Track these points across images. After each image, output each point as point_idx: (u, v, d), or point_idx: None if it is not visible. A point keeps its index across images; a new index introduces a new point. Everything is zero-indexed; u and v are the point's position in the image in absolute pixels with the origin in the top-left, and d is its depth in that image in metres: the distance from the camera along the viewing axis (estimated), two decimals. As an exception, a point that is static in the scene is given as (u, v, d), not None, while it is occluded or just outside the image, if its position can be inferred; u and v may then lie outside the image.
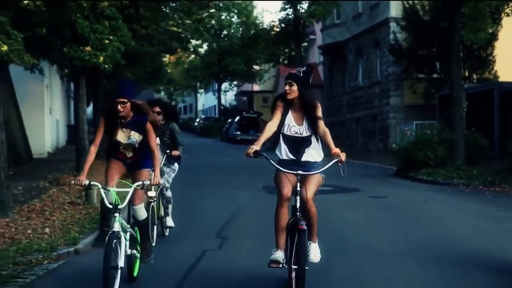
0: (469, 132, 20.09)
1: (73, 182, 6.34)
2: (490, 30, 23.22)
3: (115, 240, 5.78)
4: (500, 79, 25.98)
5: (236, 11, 53.91)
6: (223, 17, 53.86)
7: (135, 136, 6.35)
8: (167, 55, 41.07)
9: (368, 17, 32.57)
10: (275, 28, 43.91)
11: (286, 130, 6.05)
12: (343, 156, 5.78)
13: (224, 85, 58.02)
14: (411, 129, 23.21)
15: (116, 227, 5.85)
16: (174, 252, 8.23)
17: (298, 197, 5.83)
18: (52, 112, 26.31)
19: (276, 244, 5.99)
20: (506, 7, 20.44)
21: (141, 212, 6.48)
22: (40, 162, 20.10)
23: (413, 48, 27.10)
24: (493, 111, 22.20)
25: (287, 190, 5.91)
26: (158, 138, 8.17)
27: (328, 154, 6.01)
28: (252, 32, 49.66)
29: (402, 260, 7.83)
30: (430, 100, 27.54)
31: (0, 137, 10.17)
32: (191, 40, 40.84)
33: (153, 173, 6.31)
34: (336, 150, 5.84)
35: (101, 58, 13.96)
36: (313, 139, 6.07)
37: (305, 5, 37.98)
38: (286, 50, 46.90)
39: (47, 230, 9.17)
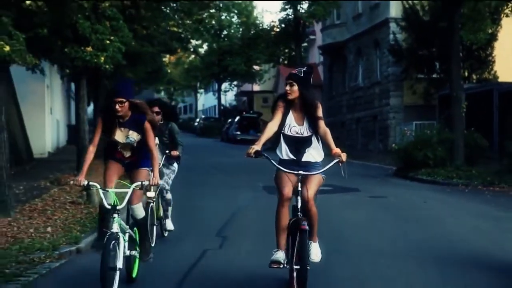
0: (469, 132, 20.14)
1: (71, 182, 6.28)
2: (490, 31, 23.32)
3: (113, 241, 5.74)
4: (500, 80, 26.05)
5: (236, 11, 53.96)
6: (223, 17, 53.92)
7: (133, 136, 6.33)
8: (167, 55, 41.13)
9: (368, 18, 32.62)
10: (275, 28, 43.96)
11: (286, 130, 6.06)
12: (343, 156, 5.79)
13: (224, 85, 58.07)
14: (410, 129, 23.27)
15: (115, 228, 5.82)
16: (174, 252, 8.24)
17: (299, 197, 5.83)
18: (53, 112, 26.36)
19: (277, 245, 5.98)
20: (505, 7, 20.50)
21: (139, 211, 6.45)
22: (41, 162, 20.15)
23: (413, 49, 27.15)
24: (492, 111, 22.25)
25: (287, 190, 5.92)
26: (157, 138, 8.11)
27: (328, 154, 6.02)
28: (252, 32, 49.71)
29: (401, 260, 7.86)
30: (429, 100, 27.59)
31: (2, 137, 10.23)
32: (191, 40, 40.89)
33: (152, 174, 6.28)
34: (336, 150, 5.84)
35: (102, 58, 14.00)
36: (314, 139, 6.07)
37: (305, 6, 38.03)
38: (286, 50, 46.95)
39: (49, 229, 9.24)
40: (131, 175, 6.52)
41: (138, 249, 6.53)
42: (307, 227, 5.68)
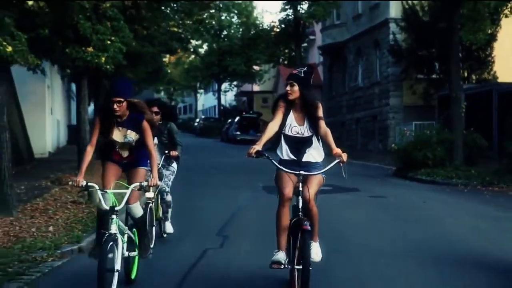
0: (468, 132, 20.19)
1: (70, 183, 6.27)
2: (489, 31, 23.33)
3: (111, 243, 5.68)
4: (499, 80, 26.09)
5: (236, 11, 54.02)
6: (223, 18, 53.97)
7: (132, 135, 6.28)
8: (168, 56, 41.16)
9: (368, 18, 32.67)
10: (275, 29, 44.01)
11: (287, 130, 6.06)
12: (344, 156, 5.79)
13: (224, 86, 58.12)
14: (410, 130, 23.32)
15: (113, 229, 5.77)
16: (174, 252, 8.27)
17: (300, 197, 5.83)
18: (53, 112, 26.41)
19: (277, 245, 5.97)
20: (504, 8, 20.55)
21: (137, 210, 6.42)
22: (42, 162, 20.19)
23: (412, 49, 27.19)
24: (492, 112, 22.29)
25: (288, 191, 5.93)
26: (156, 138, 8.10)
27: (329, 154, 6.03)
28: (252, 32, 49.75)
29: (401, 259, 7.90)
30: (429, 100, 27.62)
31: (4, 137, 10.28)
32: (191, 41, 40.93)
33: (150, 174, 6.22)
34: (337, 150, 5.85)
35: (103, 59, 14.04)
36: (314, 139, 6.08)
37: (305, 6, 38.09)
38: (286, 51, 46.99)
39: (50, 228, 9.30)
40: (129, 175, 6.49)
41: (137, 250, 6.49)
42: (309, 227, 5.67)
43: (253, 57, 48.17)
